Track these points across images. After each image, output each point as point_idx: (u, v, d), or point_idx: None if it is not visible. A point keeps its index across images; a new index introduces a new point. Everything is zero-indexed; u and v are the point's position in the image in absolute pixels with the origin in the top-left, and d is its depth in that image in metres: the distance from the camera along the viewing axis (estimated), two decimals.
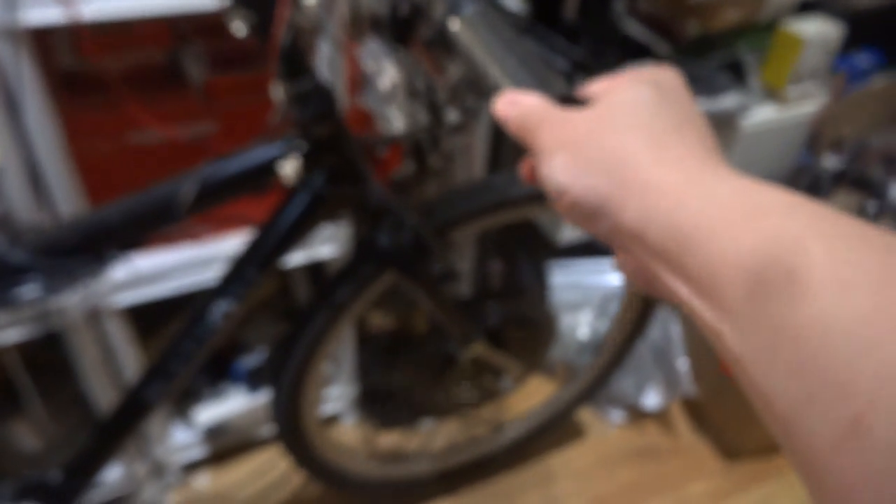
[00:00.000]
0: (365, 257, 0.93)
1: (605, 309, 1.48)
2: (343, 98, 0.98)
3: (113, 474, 1.20)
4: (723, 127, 1.42)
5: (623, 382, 1.46)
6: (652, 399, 1.46)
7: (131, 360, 1.11)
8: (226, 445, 1.34)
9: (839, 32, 1.43)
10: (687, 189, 0.29)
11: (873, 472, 0.20)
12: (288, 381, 1.00)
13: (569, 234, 1.42)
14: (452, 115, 0.78)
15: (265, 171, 0.76)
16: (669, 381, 1.46)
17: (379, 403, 1.45)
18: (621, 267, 0.36)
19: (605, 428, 1.49)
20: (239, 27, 0.64)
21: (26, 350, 1.03)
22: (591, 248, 1.50)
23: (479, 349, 1.10)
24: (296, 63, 0.69)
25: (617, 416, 1.50)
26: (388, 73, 0.76)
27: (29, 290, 0.73)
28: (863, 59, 1.57)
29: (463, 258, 1.39)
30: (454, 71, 0.55)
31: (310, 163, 0.76)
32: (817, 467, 0.22)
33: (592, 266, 1.51)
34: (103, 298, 1.00)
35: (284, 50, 0.66)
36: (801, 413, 0.22)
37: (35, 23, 0.77)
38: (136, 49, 0.99)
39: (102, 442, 0.90)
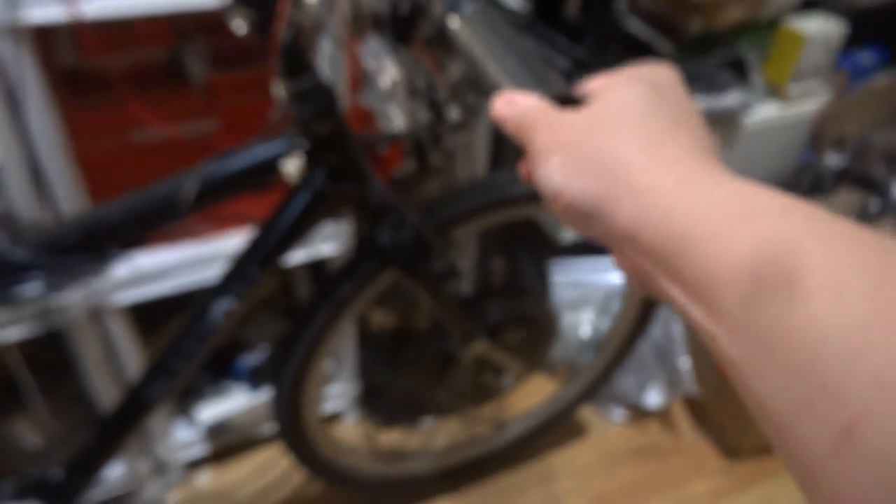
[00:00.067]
0: (366, 255, 0.93)
1: (606, 307, 1.48)
2: (344, 96, 0.98)
3: (114, 472, 1.21)
4: (725, 125, 1.41)
5: (624, 381, 1.46)
6: (653, 398, 1.46)
7: (133, 358, 1.11)
8: (227, 443, 1.34)
9: (841, 30, 1.42)
10: (680, 192, 0.29)
11: (867, 480, 0.20)
12: (289, 379, 1.00)
13: (570, 232, 1.42)
14: (453, 114, 0.78)
15: (266, 170, 0.76)
16: (671, 379, 1.46)
17: (380, 401, 1.45)
18: (619, 267, 0.36)
19: (606, 426, 1.49)
20: (240, 25, 0.64)
21: (28, 348, 1.03)
22: (592, 247, 1.50)
23: (480, 347, 1.10)
24: (297, 61, 0.69)
25: (618, 414, 1.50)
26: (388, 72, 0.76)
27: (31, 288, 0.73)
28: (865, 57, 1.57)
29: (464, 256, 1.39)
30: (455, 69, 0.55)
31: (311, 161, 0.76)
32: (811, 473, 0.22)
33: (594, 264, 1.51)
34: (105, 296, 1.01)
35: (285, 48, 0.66)
36: (795, 418, 0.22)
37: (37, 21, 0.77)
38: (138, 47, 0.99)
39: (104, 440, 0.90)
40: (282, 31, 0.65)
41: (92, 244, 0.75)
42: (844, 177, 1.58)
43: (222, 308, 0.82)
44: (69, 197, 0.92)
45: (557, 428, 1.43)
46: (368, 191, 0.83)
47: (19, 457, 1.17)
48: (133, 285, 1.02)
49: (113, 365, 1.10)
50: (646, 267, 0.30)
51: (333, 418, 1.44)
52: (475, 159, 1.24)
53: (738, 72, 1.44)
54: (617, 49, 1.36)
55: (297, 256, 1.13)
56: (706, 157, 0.31)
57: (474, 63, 0.44)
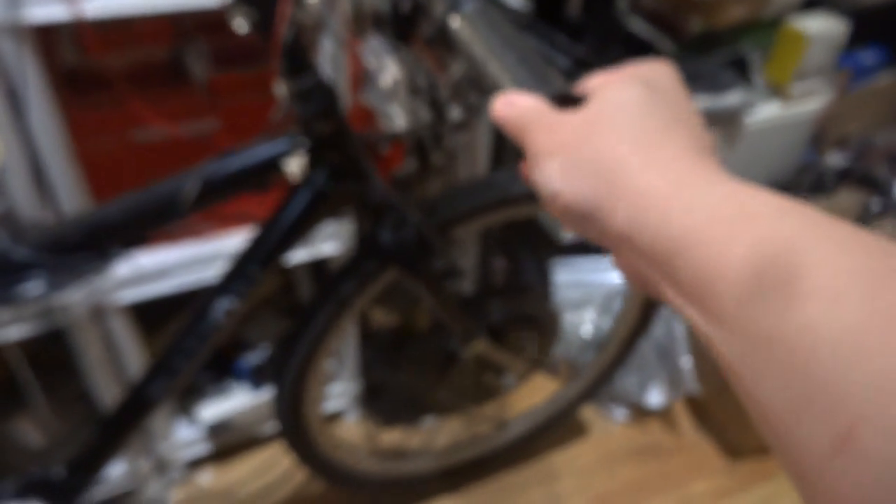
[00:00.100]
0: (367, 254, 0.93)
1: (608, 306, 1.48)
2: (345, 95, 0.98)
3: (116, 471, 1.21)
4: (726, 125, 1.41)
5: (626, 380, 1.46)
6: (655, 397, 1.46)
7: (134, 357, 1.11)
8: (229, 442, 1.34)
9: (844, 29, 1.42)
10: (675, 195, 0.28)
11: (865, 487, 0.19)
12: (290, 378, 1.00)
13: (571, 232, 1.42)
14: (455, 113, 0.78)
15: (267, 169, 0.76)
16: (673, 379, 1.46)
17: (381, 401, 1.45)
18: (618, 268, 0.36)
19: (607, 426, 1.49)
20: (241, 24, 0.64)
21: (30, 347, 1.03)
22: (594, 246, 1.49)
23: (481, 346, 1.10)
24: (298, 60, 0.69)
25: (620, 414, 1.50)
26: (389, 70, 0.76)
27: (32, 287, 0.73)
28: (868, 56, 1.57)
29: (466, 255, 1.39)
30: (456, 68, 0.55)
31: (312, 160, 0.76)
32: (810, 477, 0.22)
33: (596, 263, 1.51)
34: (107, 295, 1.01)
35: (286, 47, 0.66)
36: (792, 422, 0.22)
37: (38, 20, 0.78)
38: (139, 46, 0.99)
39: (106, 438, 0.90)
40: (283, 31, 0.65)
41: (93, 243, 0.75)
42: (846, 176, 1.58)
43: (223, 307, 0.83)
44: (70, 196, 0.92)
45: (559, 427, 1.43)
46: (370, 190, 0.83)
47: (21, 455, 1.18)
48: (134, 284, 1.02)
49: (114, 364, 1.10)
50: (643, 269, 0.30)
51: (335, 417, 1.44)
52: (476, 158, 1.24)
53: (740, 71, 1.44)
54: (618, 48, 1.36)
55: (299, 255, 1.13)
56: (703, 156, 0.31)
57: (475, 62, 0.44)
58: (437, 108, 0.78)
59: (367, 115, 0.98)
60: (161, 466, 1.28)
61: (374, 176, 0.82)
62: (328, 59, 0.96)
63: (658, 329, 1.46)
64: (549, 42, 1.16)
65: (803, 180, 1.59)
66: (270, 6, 0.63)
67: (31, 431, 1.18)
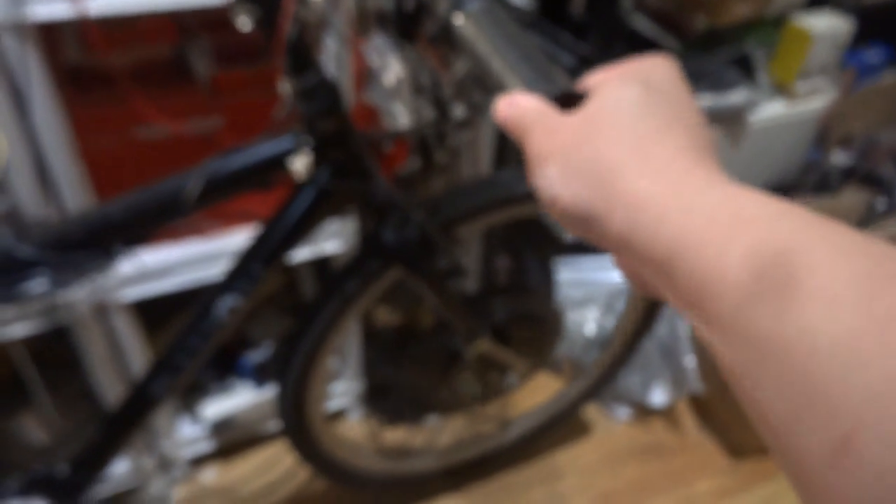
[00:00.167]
0: (370, 253, 0.93)
1: (611, 305, 1.47)
2: (349, 93, 0.98)
3: (120, 468, 1.21)
4: (730, 123, 1.41)
5: (629, 379, 1.46)
6: (658, 396, 1.46)
7: (138, 355, 1.11)
8: (232, 440, 1.34)
9: (849, 27, 1.42)
10: (671, 198, 0.28)
11: (864, 494, 0.19)
12: (294, 376, 1.00)
13: None
14: (458, 111, 0.78)
15: (271, 167, 0.76)
16: (676, 378, 1.46)
17: (384, 399, 1.45)
18: (619, 268, 0.36)
19: (611, 425, 1.49)
20: (244, 22, 0.64)
21: (34, 344, 1.04)
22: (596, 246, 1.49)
23: (484, 345, 1.10)
24: (301, 58, 0.69)
25: (623, 413, 1.50)
26: (393, 69, 0.76)
27: (36, 285, 0.73)
28: (873, 54, 1.56)
29: (469, 254, 1.39)
30: (460, 66, 0.55)
31: (315, 158, 0.76)
32: (809, 483, 0.21)
33: (599, 262, 1.51)
34: (110, 293, 1.01)
35: (290, 45, 0.66)
36: (791, 428, 0.22)
37: (42, 18, 0.78)
38: (143, 44, 0.99)
39: (109, 436, 0.91)
40: (287, 28, 0.65)
41: (97, 241, 0.75)
42: (851, 175, 1.58)
43: (227, 305, 0.83)
44: (74, 194, 0.93)
45: (562, 426, 1.43)
46: (373, 188, 0.83)
47: (25, 453, 1.18)
48: (138, 282, 1.02)
49: (118, 361, 1.10)
50: (643, 271, 0.30)
51: (338, 416, 1.44)
52: (480, 157, 1.24)
53: (745, 69, 1.43)
54: (622, 46, 1.36)
55: (302, 254, 1.13)
56: (701, 156, 0.31)
57: (479, 60, 0.43)
58: (441, 106, 0.78)
59: (371, 114, 0.98)
60: (164, 464, 1.28)
61: (377, 174, 0.82)
62: (332, 57, 0.96)
63: (661, 328, 1.45)
64: (553, 40, 1.15)
65: (808, 179, 1.59)
66: (274, 4, 0.63)
67: (34, 429, 1.18)
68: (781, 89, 1.48)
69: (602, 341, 1.44)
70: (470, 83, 0.64)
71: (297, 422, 1.06)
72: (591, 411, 1.51)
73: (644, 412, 1.50)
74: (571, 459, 1.43)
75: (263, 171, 0.76)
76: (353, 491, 1.33)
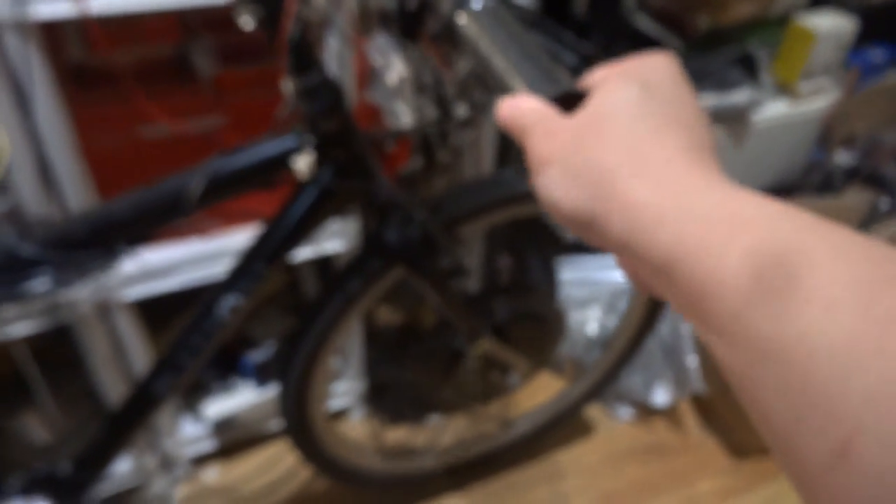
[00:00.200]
0: (373, 252, 0.93)
1: (613, 305, 1.47)
2: (351, 92, 0.98)
3: (122, 467, 1.21)
4: (733, 123, 1.41)
5: (632, 379, 1.46)
6: (661, 396, 1.46)
7: (140, 354, 1.11)
8: (234, 439, 1.34)
9: (852, 27, 1.41)
10: (668, 202, 0.28)
11: (865, 495, 0.19)
12: (295, 375, 1.00)
13: None
14: (461, 110, 0.78)
15: (273, 166, 0.76)
16: (678, 377, 1.45)
17: (386, 398, 1.45)
18: (622, 269, 0.36)
19: (613, 425, 1.49)
20: (247, 21, 0.64)
21: (36, 343, 1.04)
22: None
23: (486, 345, 1.10)
24: (304, 57, 0.69)
25: (625, 412, 1.50)
26: (395, 68, 0.76)
27: (39, 284, 0.73)
28: (876, 54, 1.56)
29: (471, 254, 1.39)
30: (462, 65, 0.55)
31: (318, 157, 0.76)
32: (810, 484, 0.21)
33: (601, 262, 1.51)
34: (112, 292, 1.01)
35: (293, 44, 0.66)
36: (792, 432, 0.22)
37: (45, 17, 0.78)
38: (146, 43, 0.99)
39: (112, 435, 0.91)
40: (289, 28, 0.65)
41: (99, 240, 0.75)
42: (854, 175, 1.57)
43: (229, 304, 0.83)
44: (77, 192, 0.93)
45: (564, 426, 1.43)
46: (375, 187, 0.83)
47: (27, 452, 1.18)
48: (140, 281, 1.02)
49: (120, 360, 1.10)
50: (644, 274, 0.30)
51: (340, 415, 1.44)
52: (482, 156, 1.24)
53: (748, 69, 1.43)
54: (625, 45, 1.35)
55: (304, 253, 1.13)
56: (699, 157, 0.30)
57: (482, 59, 0.43)
58: (443, 105, 0.78)
59: (373, 113, 0.98)
60: (166, 463, 1.28)
61: (379, 174, 0.82)
62: (334, 56, 0.96)
63: (664, 328, 1.45)
64: (556, 39, 1.15)
65: (811, 179, 1.58)
66: (277, 3, 0.63)
67: (37, 428, 1.18)
68: (785, 89, 1.47)
69: (604, 341, 1.44)
70: (472, 82, 0.64)
71: (299, 421, 1.06)
72: (594, 411, 1.51)
73: (646, 412, 1.50)
74: (573, 459, 1.42)
75: (266, 171, 0.76)
76: (355, 490, 1.33)
